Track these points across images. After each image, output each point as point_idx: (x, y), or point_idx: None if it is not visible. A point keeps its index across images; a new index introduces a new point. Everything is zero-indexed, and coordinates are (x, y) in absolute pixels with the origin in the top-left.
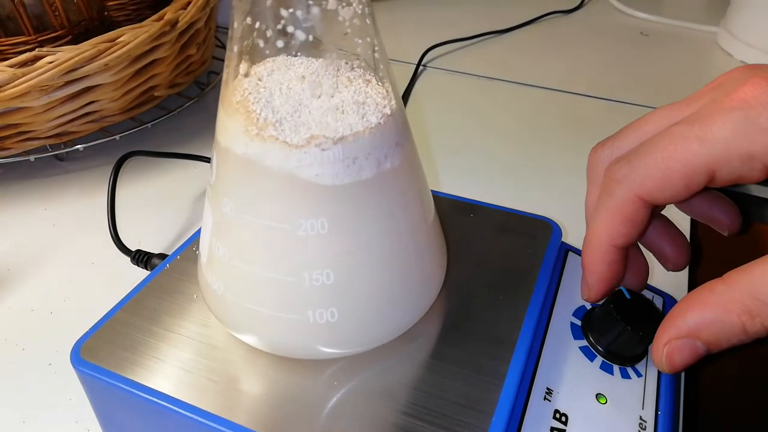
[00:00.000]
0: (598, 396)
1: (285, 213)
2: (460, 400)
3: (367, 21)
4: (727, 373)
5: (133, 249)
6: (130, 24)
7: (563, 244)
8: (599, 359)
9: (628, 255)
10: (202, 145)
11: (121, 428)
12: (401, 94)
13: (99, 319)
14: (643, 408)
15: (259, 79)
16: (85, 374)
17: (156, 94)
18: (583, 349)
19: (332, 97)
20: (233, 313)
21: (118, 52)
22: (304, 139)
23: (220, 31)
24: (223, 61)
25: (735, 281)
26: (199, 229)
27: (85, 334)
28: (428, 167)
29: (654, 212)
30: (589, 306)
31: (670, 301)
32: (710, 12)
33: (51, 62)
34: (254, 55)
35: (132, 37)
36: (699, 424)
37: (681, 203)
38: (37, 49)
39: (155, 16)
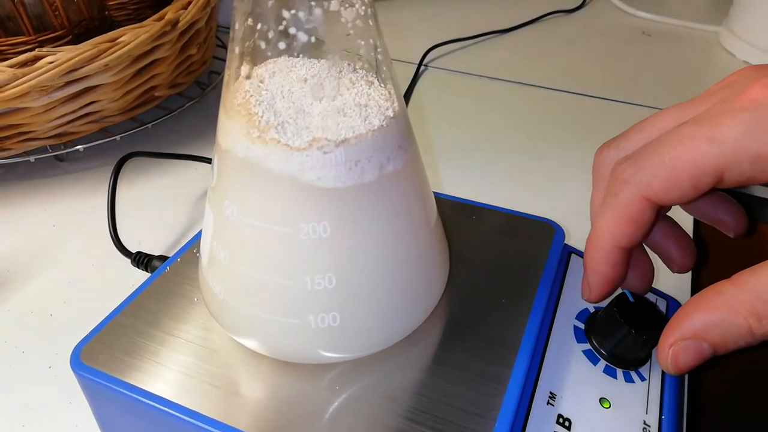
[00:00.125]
0: (601, 400)
1: (287, 216)
2: (463, 405)
3: (370, 22)
4: (731, 376)
5: (134, 250)
6: (130, 23)
7: (566, 246)
8: (602, 363)
9: (633, 256)
10: (203, 145)
11: None
12: (402, 94)
13: (99, 322)
14: (647, 412)
15: (261, 81)
16: (85, 378)
17: (156, 94)
18: (586, 352)
19: (334, 99)
20: (234, 317)
21: (119, 53)
22: (306, 142)
23: (221, 30)
24: (223, 60)
25: (743, 282)
26: (200, 231)
27: (85, 337)
28: (429, 168)
29: (659, 213)
30: (592, 309)
31: (673, 304)
32: (713, 11)
33: (51, 62)
34: (256, 57)
35: (132, 37)
36: (703, 429)
37: (686, 204)
38: (37, 49)
39: (156, 16)
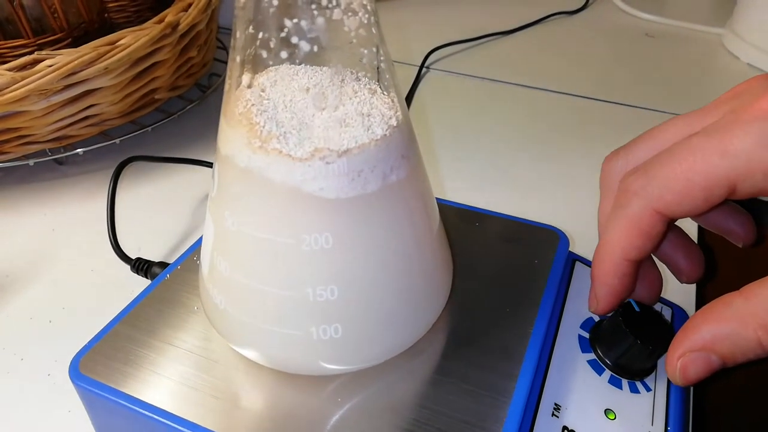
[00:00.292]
0: (606, 411)
1: (288, 227)
2: (467, 417)
3: (373, 30)
4: (737, 387)
5: (134, 255)
6: (130, 26)
7: (570, 253)
8: (607, 373)
9: (641, 267)
10: (204, 148)
11: None
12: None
13: (98, 331)
14: (652, 424)
15: (263, 90)
16: (84, 389)
17: (156, 97)
18: (591, 362)
19: (337, 109)
20: (235, 328)
21: (119, 56)
22: (308, 152)
23: (221, 32)
24: (224, 62)
25: (753, 295)
26: (201, 238)
27: (83, 347)
28: (431, 171)
29: (669, 225)
30: (597, 318)
31: (679, 313)
32: (716, 13)
33: (50, 66)
34: (257, 65)
35: (132, 39)
36: None
37: (696, 216)
38: (36, 53)
39: (156, 19)
